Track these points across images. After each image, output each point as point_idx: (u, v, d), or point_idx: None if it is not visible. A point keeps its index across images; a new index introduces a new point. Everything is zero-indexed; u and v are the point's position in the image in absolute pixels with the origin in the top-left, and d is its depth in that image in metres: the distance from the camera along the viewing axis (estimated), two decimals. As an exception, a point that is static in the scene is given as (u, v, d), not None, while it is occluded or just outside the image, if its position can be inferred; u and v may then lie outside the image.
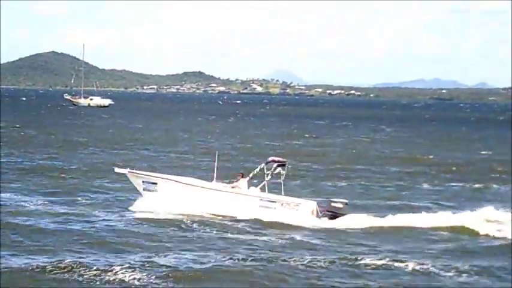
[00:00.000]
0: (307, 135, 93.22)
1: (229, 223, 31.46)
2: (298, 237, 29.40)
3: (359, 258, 25.36)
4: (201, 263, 24.44)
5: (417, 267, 24.60)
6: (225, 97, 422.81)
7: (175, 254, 25.52)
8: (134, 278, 22.39)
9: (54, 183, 42.24)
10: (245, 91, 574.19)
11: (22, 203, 34.76)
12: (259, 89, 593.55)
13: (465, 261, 25.76)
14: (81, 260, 24.03)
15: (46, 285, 21.79)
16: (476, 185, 47.69)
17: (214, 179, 34.32)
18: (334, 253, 26.61)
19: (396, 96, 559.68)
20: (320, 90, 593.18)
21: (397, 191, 44.34)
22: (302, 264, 24.56)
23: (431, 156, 66.79)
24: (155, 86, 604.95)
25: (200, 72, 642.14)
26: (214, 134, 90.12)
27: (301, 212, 32.56)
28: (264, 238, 29.02)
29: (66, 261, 23.60)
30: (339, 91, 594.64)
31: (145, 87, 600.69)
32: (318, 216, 32.69)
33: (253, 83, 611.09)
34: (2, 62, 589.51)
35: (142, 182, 34.24)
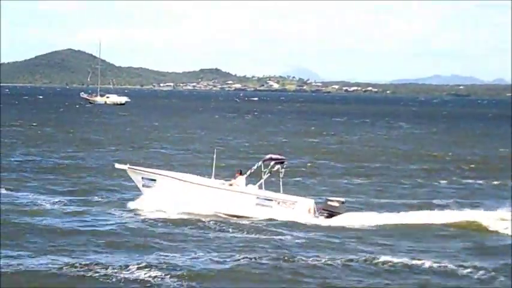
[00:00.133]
0: (324, 133, 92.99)
1: (246, 222, 31.38)
2: (314, 236, 29.23)
3: (377, 257, 25.17)
4: (217, 262, 24.39)
5: (435, 266, 24.43)
6: (241, 94, 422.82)
7: (191, 254, 25.45)
8: (150, 276, 22.41)
9: (71, 182, 42.34)
10: (261, 88, 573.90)
11: (39, 202, 34.81)
12: (275, 85, 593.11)
13: (482, 260, 25.57)
14: (97, 259, 24.05)
15: (62, 285, 21.78)
16: (495, 182, 47.44)
17: (213, 176, 34.18)
18: (351, 252, 26.44)
19: (413, 92, 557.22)
20: (337, 87, 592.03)
21: (414, 189, 44.17)
22: (319, 263, 24.43)
23: (449, 153, 66.49)
24: (172, 83, 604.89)
25: (217, 69, 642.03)
26: (231, 131, 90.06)
27: (297, 211, 32.37)
28: (280, 237, 28.88)
29: (82, 261, 23.64)
30: (355, 88, 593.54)
31: (161, 85, 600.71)
32: (314, 214, 32.53)
33: (269, 80, 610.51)
34: (19, 60, 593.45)
35: (142, 178, 34.09)
